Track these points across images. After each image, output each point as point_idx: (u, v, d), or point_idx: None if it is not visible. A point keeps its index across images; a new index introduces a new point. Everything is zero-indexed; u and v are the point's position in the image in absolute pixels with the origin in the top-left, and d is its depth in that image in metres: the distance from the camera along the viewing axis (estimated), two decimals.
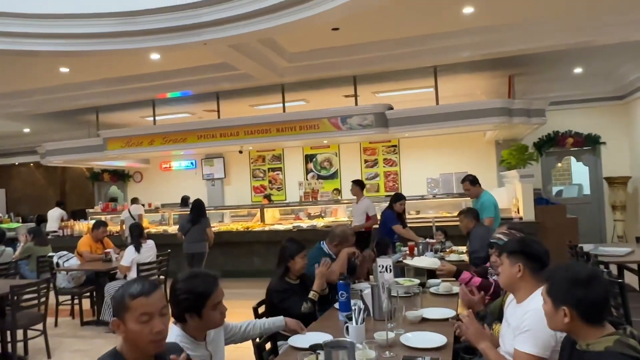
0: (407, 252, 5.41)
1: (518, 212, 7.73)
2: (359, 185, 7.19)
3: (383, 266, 2.89)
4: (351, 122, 7.86)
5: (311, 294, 3.15)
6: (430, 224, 6.35)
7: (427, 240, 5.39)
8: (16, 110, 8.83)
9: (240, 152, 9.56)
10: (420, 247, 5.14)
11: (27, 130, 11.80)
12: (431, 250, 5.07)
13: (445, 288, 3.61)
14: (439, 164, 10.07)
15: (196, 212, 7.31)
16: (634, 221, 9.42)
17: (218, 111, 8.94)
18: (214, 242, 7.48)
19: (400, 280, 3.71)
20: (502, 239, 2.80)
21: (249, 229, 8.69)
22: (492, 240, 2.86)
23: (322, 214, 9.59)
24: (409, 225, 6.43)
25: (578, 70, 8.46)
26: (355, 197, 7.29)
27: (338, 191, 10.12)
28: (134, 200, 9.38)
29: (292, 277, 3.34)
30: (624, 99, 9.50)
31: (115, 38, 5.50)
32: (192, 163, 12.25)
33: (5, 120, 10.40)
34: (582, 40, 6.39)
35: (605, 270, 4.20)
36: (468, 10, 5.70)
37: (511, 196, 8.05)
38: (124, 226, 8.76)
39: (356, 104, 8.24)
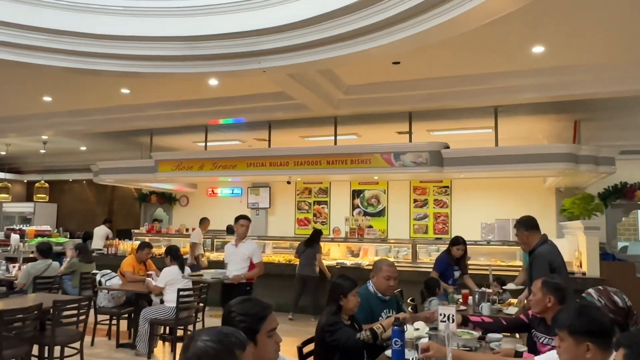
0: (461, 300, 5.14)
1: (580, 267, 7.23)
2: (247, 220, 5.71)
3: (445, 315, 2.66)
4: (405, 159, 7.72)
5: (376, 325, 2.96)
6: (485, 272, 5.99)
7: (484, 289, 5.05)
8: (76, 128, 9.23)
9: (289, 182, 9.55)
10: (476, 296, 4.84)
11: (83, 148, 12.32)
12: (488, 301, 4.73)
13: (508, 344, 3.31)
14: (493, 208, 9.69)
15: (312, 236, 7.83)
16: None
17: (269, 140, 9.02)
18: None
19: (457, 331, 3.44)
20: (593, 296, 2.54)
21: (291, 262, 8.55)
22: (583, 295, 2.63)
23: (366, 253, 9.38)
24: (470, 272, 6.09)
25: None
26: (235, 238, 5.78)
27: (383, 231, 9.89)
28: (202, 221, 8.97)
29: (344, 317, 3.21)
30: None
31: (177, 62, 5.63)
32: (238, 191, 12.38)
33: (66, 138, 10.90)
34: None
35: None
36: (538, 49, 5.51)
37: (573, 249, 7.55)
38: (195, 251, 8.61)
39: (410, 140, 8.12)
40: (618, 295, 2.51)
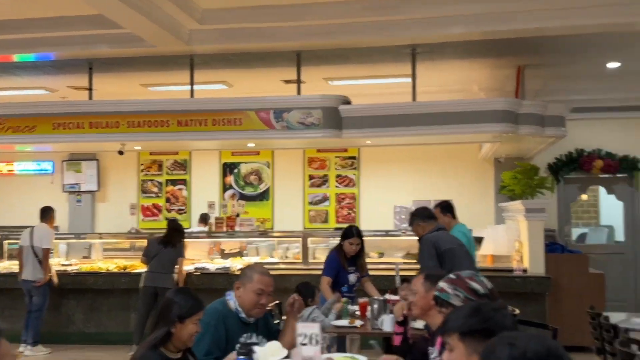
0: (358, 311, 5.35)
1: (521, 262, 7.86)
2: None
3: (306, 335, 2.77)
4: (289, 119, 7.84)
5: None
6: (394, 273, 6.28)
7: (387, 296, 5.27)
8: None
9: (121, 152, 9.20)
10: (375, 306, 5.03)
11: None
12: (390, 312, 4.97)
13: None
14: (412, 187, 10.20)
15: (171, 230, 7.90)
16: None
17: (90, 89, 8.70)
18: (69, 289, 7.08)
19: (337, 357, 3.59)
20: (448, 292, 2.82)
21: (128, 270, 8.47)
22: (435, 294, 2.92)
23: (243, 252, 9.46)
24: (370, 273, 6.36)
25: (613, 65, 8.76)
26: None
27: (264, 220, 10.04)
28: (46, 213, 8.45)
29: (172, 349, 3.19)
30: None
31: None
32: (48, 165, 11.89)
33: None
34: (621, 21, 6.64)
35: None
36: None
37: (512, 238, 8.17)
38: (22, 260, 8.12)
39: (299, 92, 8.27)
40: (476, 280, 2.84)
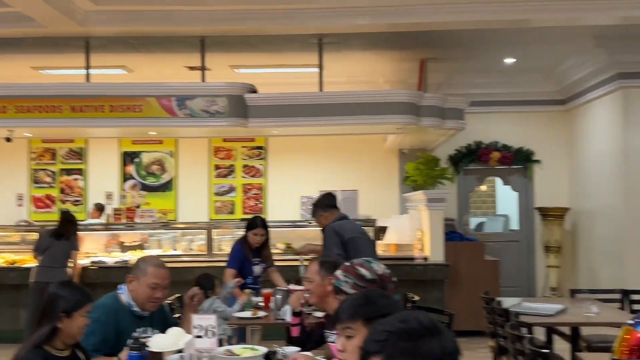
0: (263, 302, 5.37)
1: (422, 250, 8.10)
2: None
3: (201, 327, 2.68)
4: (192, 106, 7.70)
5: None
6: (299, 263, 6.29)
7: (291, 287, 5.28)
8: None
9: (8, 139, 8.76)
10: (279, 297, 5.06)
11: None
12: None
13: None
14: (321, 177, 10.27)
15: (64, 222, 7.60)
16: (571, 269, 10.35)
17: None
18: None
19: (236, 348, 3.52)
20: (340, 278, 2.93)
21: (17, 265, 8.17)
22: (334, 281, 3.03)
23: (144, 244, 9.25)
24: (276, 264, 6.34)
25: (509, 60, 9.16)
26: None
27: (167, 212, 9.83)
28: None
29: (59, 346, 3.05)
30: (565, 105, 10.49)
31: None
32: None
33: None
34: (517, 18, 6.97)
35: (529, 335, 4.42)
36: None
37: (415, 227, 8.38)
38: None
39: (203, 79, 8.18)
40: (365, 266, 2.97)
